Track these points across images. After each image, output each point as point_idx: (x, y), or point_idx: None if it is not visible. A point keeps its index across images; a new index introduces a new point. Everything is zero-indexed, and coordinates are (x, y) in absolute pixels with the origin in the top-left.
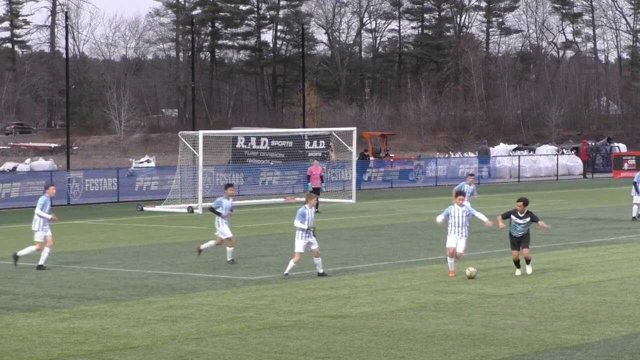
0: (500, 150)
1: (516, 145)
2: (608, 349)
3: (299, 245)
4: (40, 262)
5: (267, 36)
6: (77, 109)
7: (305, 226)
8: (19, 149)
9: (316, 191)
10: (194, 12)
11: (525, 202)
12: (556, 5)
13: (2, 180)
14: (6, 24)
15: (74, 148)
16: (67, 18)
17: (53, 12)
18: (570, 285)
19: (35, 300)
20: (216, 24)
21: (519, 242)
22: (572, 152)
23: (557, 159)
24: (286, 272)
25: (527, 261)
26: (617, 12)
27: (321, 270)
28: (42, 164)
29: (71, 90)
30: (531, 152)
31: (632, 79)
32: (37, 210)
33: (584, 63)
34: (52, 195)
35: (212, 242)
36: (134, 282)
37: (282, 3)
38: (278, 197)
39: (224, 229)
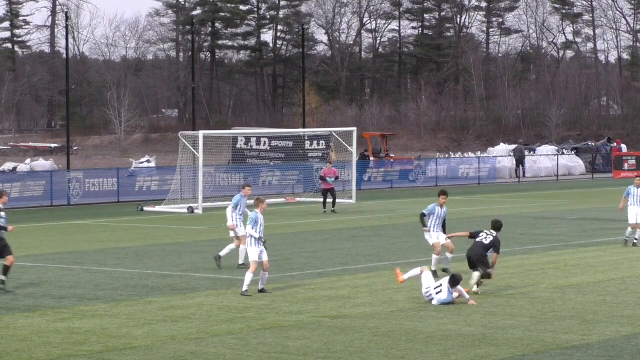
0: (500, 150)
1: (516, 145)
2: (608, 349)
3: (254, 253)
4: (221, 253)
5: (267, 36)
6: (77, 109)
7: (257, 234)
8: (19, 149)
9: (331, 191)
10: (194, 12)
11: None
12: (556, 5)
13: (2, 180)
14: (6, 24)
15: (74, 148)
16: (67, 18)
17: (53, 12)
18: (570, 285)
19: (35, 300)
20: (216, 24)
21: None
22: (572, 152)
23: (557, 159)
24: (245, 288)
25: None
26: (617, 12)
27: (261, 287)
28: (42, 164)
29: (71, 90)
30: (531, 152)
31: (632, 79)
32: (231, 211)
33: (584, 63)
34: (247, 195)
35: (448, 254)
36: (134, 282)
37: (282, 3)
38: (278, 197)
39: (434, 235)
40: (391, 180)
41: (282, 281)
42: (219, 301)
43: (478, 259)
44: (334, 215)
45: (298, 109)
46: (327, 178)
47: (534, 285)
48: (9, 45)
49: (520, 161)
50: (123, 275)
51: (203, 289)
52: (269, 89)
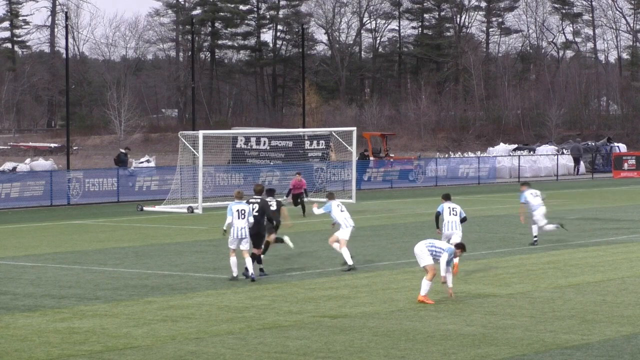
0: (500, 150)
1: (516, 145)
2: (608, 349)
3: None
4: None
5: (267, 36)
6: (77, 109)
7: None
8: (19, 149)
9: (300, 197)
10: (194, 12)
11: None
12: (556, 5)
13: (2, 180)
14: (6, 24)
15: (74, 148)
16: (67, 18)
17: (53, 12)
18: (570, 285)
19: (35, 300)
20: (216, 24)
21: None
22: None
23: (557, 159)
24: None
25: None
26: (617, 12)
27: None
28: (42, 164)
29: (71, 90)
30: (531, 152)
31: (632, 79)
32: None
33: (584, 63)
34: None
35: None
36: (134, 282)
37: (282, 3)
38: (278, 197)
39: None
40: (391, 180)
41: (282, 281)
42: (219, 301)
43: None
44: None
45: (298, 109)
46: (292, 191)
47: (534, 285)
48: (9, 45)
49: (577, 160)
50: (123, 275)
51: (203, 289)
52: (269, 89)
